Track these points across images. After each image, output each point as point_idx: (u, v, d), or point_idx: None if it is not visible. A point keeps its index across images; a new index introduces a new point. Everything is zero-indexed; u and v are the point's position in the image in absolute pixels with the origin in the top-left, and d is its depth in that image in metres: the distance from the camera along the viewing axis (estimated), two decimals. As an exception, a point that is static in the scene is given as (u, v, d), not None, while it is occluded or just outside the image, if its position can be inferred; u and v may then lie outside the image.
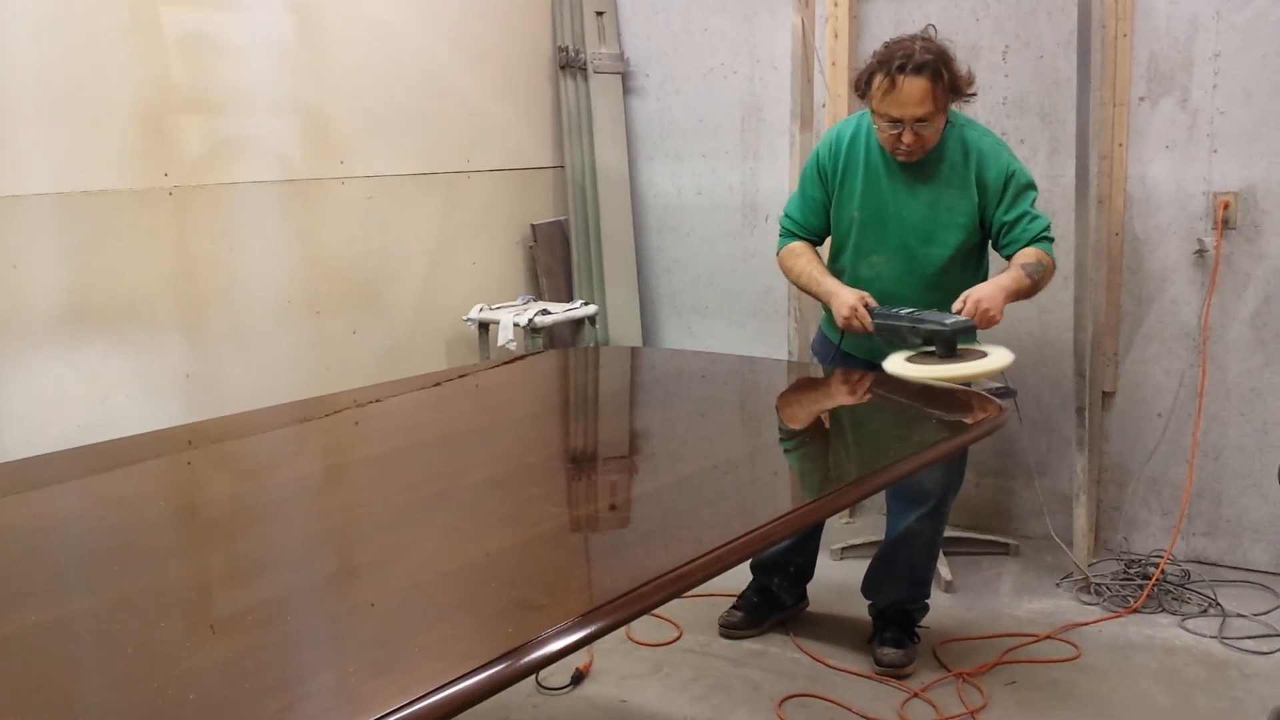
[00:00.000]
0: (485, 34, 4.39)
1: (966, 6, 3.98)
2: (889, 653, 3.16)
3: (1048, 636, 3.33)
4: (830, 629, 3.43)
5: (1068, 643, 3.30)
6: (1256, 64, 3.53)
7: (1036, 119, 3.91)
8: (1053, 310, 3.95)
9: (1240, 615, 3.43)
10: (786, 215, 3.20)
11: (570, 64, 4.60)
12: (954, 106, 2.97)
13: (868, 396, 2.82)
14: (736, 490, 2.21)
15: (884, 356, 2.94)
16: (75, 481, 2.22)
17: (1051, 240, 2.98)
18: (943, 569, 3.72)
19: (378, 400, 2.82)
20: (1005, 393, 3.82)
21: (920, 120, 2.84)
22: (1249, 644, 3.26)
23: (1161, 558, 3.67)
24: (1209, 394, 3.71)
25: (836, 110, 4.17)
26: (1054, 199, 3.90)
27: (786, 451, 2.53)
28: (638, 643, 3.33)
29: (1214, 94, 3.61)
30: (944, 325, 2.78)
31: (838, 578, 3.79)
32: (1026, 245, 2.93)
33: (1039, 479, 4.06)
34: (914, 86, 2.79)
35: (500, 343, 4.05)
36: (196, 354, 3.49)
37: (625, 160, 4.74)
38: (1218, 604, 3.49)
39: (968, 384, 2.79)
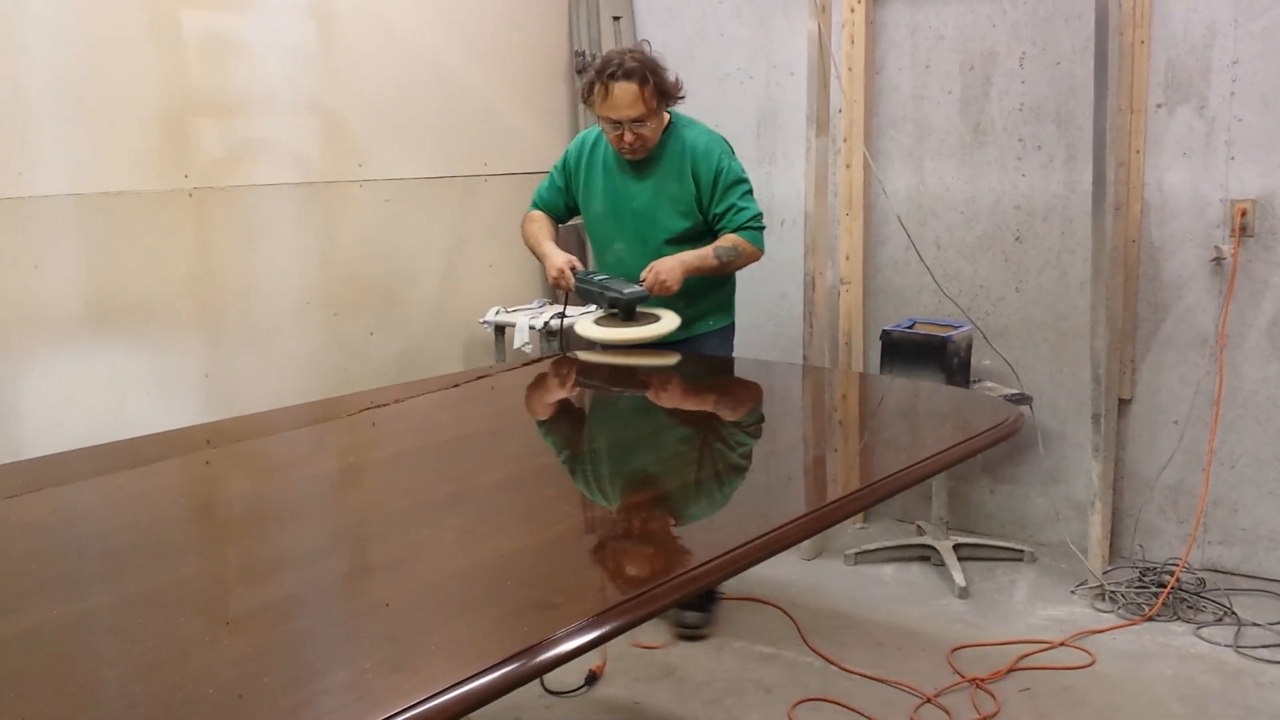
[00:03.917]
0: (502, 38, 4.40)
1: (983, 12, 3.98)
2: (689, 615, 3.38)
3: (1062, 644, 3.33)
4: (843, 633, 3.42)
5: (1082, 650, 3.29)
6: (1274, 71, 3.52)
7: (1053, 125, 3.91)
8: (1069, 317, 3.95)
9: (1255, 624, 3.41)
10: (538, 190, 3.57)
11: (586, 68, 4.61)
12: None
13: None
14: (750, 493, 2.22)
15: (673, 339, 3.24)
16: (95, 479, 2.24)
17: (758, 229, 3.31)
18: (957, 575, 3.72)
19: (395, 401, 2.83)
20: (1021, 399, 3.83)
21: (635, 121, 3.16)
22: (1264, 653, 3.25)
23: (1177, 566, 3.66)
24: (1226, 402, 3.70)
25: (853, 115, 4.17)
26: (1071, 205, 3.90)
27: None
28: (643, 647, 3.32)
29: (1232, 101, 3.60)
30: (622, 294, 3.15)
31: (851, 583, 3.79)
32: (732, 232, 3.27)
33: (1054, 486, 4.05)
34: (624, 91, 3.12)
35: (516, 345, 4.06)
36: (215, 354, 3.51)
37: (641, 164, 4.75)
38: (1233, 613, 3.47)
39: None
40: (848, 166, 4.24)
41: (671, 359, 3.23)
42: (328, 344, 3.85)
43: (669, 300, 3.23)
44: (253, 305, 3.62)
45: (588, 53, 4.61)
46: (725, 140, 3.38)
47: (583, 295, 3.30)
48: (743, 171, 3.33)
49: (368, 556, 1.81)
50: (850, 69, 4.15)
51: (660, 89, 3.17)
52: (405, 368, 4.02)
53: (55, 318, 3.14)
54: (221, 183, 3.49)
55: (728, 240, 3.26)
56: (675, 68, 4.64)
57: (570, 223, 3.66)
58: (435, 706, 1.21)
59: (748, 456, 2.48)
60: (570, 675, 3.10)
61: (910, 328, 3.90)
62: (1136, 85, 3.71)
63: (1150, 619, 3.46)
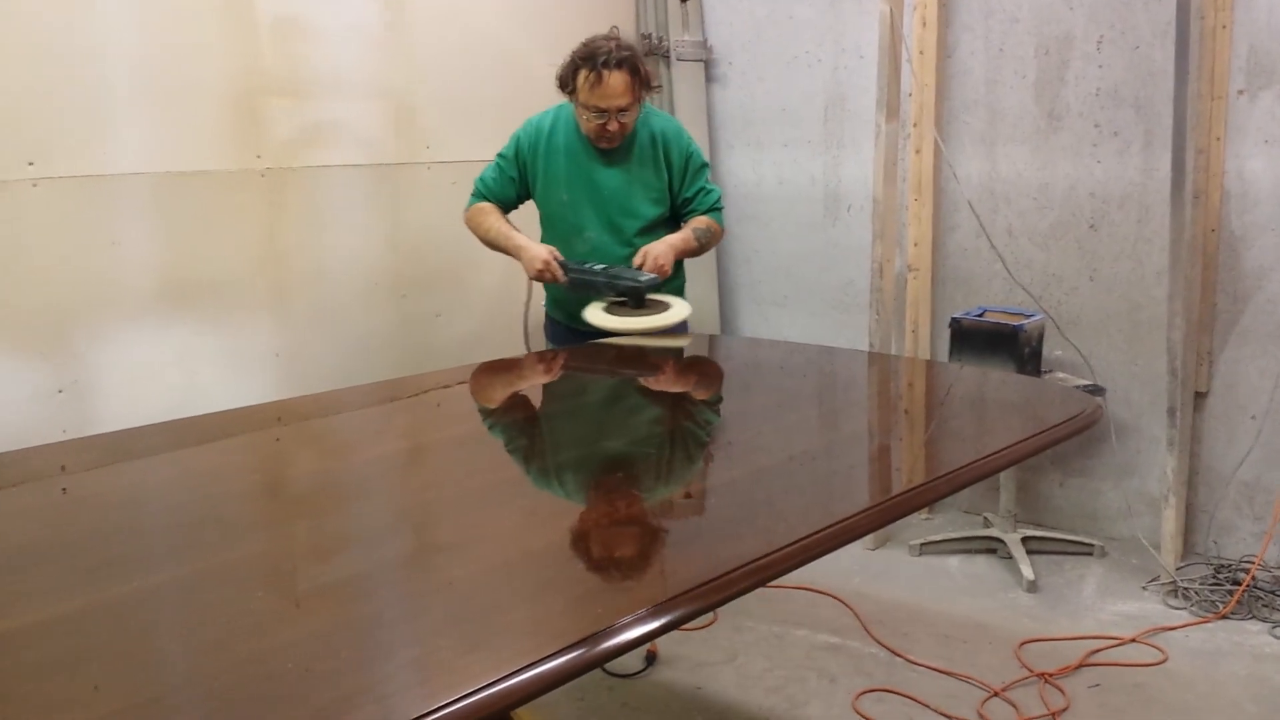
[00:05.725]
0: (568, 21, 4.38)
1: (1061, -5, 3.89)
2: None
3: (1133, 640, 3.27)
4: (908, 624, 3.39)
5: (1153, 647, 3.23)
6: (1366, 56, 3.41)
7: (1131, 111, 3.82)
8: (1145, 307, 3.86)
9: (1335, 625, 3.33)
10: (481, 180, 3.42)
11: (653, 51, 4.59)
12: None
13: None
14: (815, 482, 2.19)
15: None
16: (167, 454, 2.27)
17: (721, 210, 3.37)
18: (1025, 568, 3.66)
19: (460, 383, 2.84)
20: (1094, 390, 3.75)
21: (622, 110, 3.12)
22: (1344, 655, 3.17)
23: (1253, 563, 3.57)
24: (1306, 396, 3.60)
25: (924, 100, 4.11)
26: (1148, 193, 3.81)
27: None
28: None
29: (1319, 87, 3.50)
30: (639, 282, 3.11)
31: (916, 574, 3.75)
32: (702, 214, 3.31)
33: (1126, 480, 3.97)
34: (618, 80, 3.07)
35: (580, 329, 4.06)
36: (285, 333, 3.55)
37: (707, 148, 4.72)
38: (1311, 612, 3.39)
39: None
40: (917, 152, 4.17)
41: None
42: (395, 325, 3.87)
43: None
44: (322, 285, 3.65)
45: (654, 35, 4.58)
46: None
47: (578, 287, 3.18)
48: (704, 155, 3.39)
49: (436, 536, 1.81)
50: (922, 53, 4.09)
51: (645, 79, 3.16)
52: (471, 349, 4.03)
53: (131, 294, 3.19)
54: (292, 164, 3.52)
55: (700, 222, 3.29)
56: (742, 51, 4.65)
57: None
58: (515, 685, 1.21)
59: (813, 445, 2.45)
60: (629, 658, 3.10)
61: (980, 316, 3.84)
62: (1218, 70, 3.61)
63: (1224, 617, 3.38)
